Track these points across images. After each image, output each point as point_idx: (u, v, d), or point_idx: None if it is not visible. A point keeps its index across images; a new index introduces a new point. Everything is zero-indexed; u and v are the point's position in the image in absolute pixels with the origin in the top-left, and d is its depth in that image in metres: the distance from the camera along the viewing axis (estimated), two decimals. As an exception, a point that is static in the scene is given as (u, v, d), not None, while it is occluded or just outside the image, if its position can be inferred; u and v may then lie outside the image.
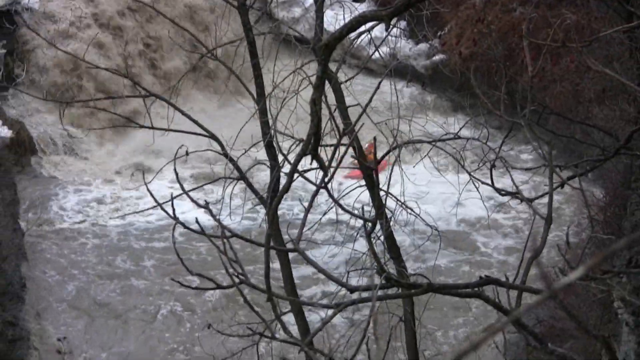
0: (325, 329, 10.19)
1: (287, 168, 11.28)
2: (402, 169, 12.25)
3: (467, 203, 15.04)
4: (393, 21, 11.28)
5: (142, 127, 13.31)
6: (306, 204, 9.97)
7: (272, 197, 11.61)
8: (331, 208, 11.43)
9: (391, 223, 12.61)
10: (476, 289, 9.44)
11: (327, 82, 10.97)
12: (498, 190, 10.55)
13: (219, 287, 9.97)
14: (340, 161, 9.52)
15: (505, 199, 11.51)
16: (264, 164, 12.88)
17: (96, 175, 44.47)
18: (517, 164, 31.02)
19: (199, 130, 12.97)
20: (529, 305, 3.31)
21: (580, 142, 14.01)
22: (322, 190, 9.92)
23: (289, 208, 35.52)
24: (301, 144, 11.00)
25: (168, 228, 38.15)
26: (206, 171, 32.56)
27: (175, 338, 31.86)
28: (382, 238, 12.16)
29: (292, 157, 11.19)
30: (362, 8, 21.07)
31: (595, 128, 14.95)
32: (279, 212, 11.62)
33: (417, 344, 13.66)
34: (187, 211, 10.75)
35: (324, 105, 10.65)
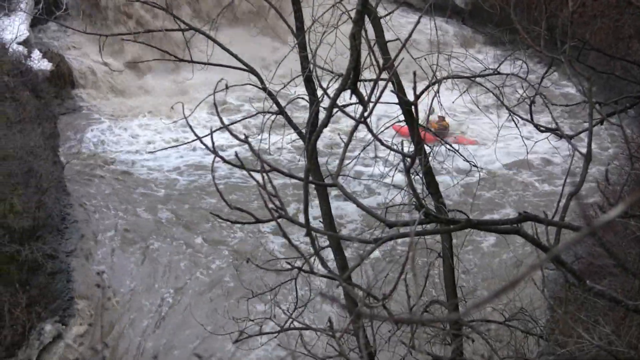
0: (363, 265, 10.23)
1: (326, 102, 11.27)
2: (441, 105, 12.21)
3: (507, 140, 14.96)
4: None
5: (181, 60, 13.31)
6: (345, 139, 9.96)
7: (311, 132, 11.60)
8: (370, 143, 11.43)
9: (430, 158, 12.61)
10: (515, 225, 9.42)
11: (366, 16, 10.93)
12: (537, 127, 10.50)
13: (258, 221, 9.99)
14: (380, 96, 9.48)
15: (545, 135, 11.44)
16: (303, 98, 12.87)
17: (135, 109, 44.61)
18: (557, 101, 30.82)
19: (239, 65, 12.96)
20: (568, 242, 3.27)
21: (621, 79, 13.88)
22: (361, 126, 9.91)
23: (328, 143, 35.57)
24: (340, 79, 10.99)
25: (206, 164, 38.31)
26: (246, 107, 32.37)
27: (213, 272, 32.01)
28: (420, 174, 12.16)
29: (331, 92, 11.18)
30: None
31: (636, 64, 14.80)
32: (318, 147, 11.62)
33: (455, 280, 13.68)
34: (226, 148, 10.71)
35: (363, 40, 10.61)
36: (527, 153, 14.11)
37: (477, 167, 14.05)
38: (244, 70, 12.79)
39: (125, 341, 28.87)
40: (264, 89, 12.58)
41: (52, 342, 28.44)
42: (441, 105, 12.11)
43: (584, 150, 9.18)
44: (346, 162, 9.83)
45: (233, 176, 36.84)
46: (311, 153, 11.47)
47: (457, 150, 13.41)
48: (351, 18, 10.92)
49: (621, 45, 34.41)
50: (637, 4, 11.44)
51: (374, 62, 10.71)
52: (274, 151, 12.48)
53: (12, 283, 28.93)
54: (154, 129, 42.90)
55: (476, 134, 34.56)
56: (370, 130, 10.42)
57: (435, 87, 11.73)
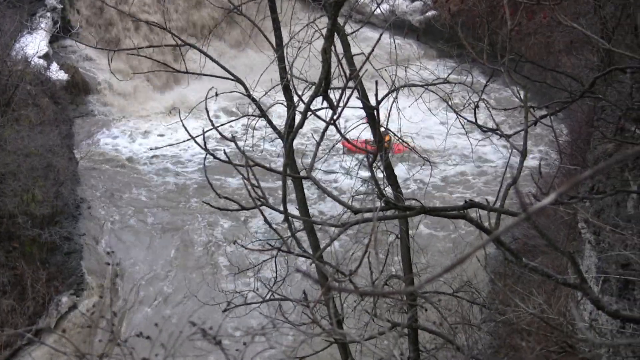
0: (332, 245, 10.20)
1: (301, 107, 11.25)
2: (399, 109, 12.19)
3: (454, 139, 14.99)
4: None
5: (178, 71, 13.26)
6: (317, 138, 9.95)
7: (289, 132, 11.59)
8: (339, 141, 11.43)
9: (389, 155, 12.60)
10: (462, 211, 9.42)
11: (335, 34, 10.91)
12: (480, 127, 10.49)
13: (243, 208, 9.95)
14: (347, 101, 9.45)
15: (487, 134, 11.45)
16: (282, 103, 12.83)
17: (139, 113, 44.71)
18: (497, 106, 30.93)
19: (227, 75, 12.91)
20: (508, 226, 3.28)
21: (551, 87, 13.93)
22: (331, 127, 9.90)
23: (302, 143, 35.62)
24: (313, 87, 10.97)
25: (199, 160, 38.36)
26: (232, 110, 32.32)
27: (205, 252, 32.12)
28: (381, 167, 12.14)
29: (305, 98, 11.16)
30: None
31: (564, 74, 14.86)
32: (294, 145, 11.58)
33: (410, 258, 13.69)
34: (216, 149, 10.63)
35: (333, 54, 10.59)
36: (472, 150, 14.13)
37: (429, 162, 14.06)
38: (231, 79, 12.75)
39: (130, 311, 28.90)
40: (248, 95, 12.55)
41: (67, 311, 28.52)
42: (399, 109, 12.08)
43: (520, 148, 9.18)
44: (318, 158, 9.79)
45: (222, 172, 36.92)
46: (289, 150, 11.42)
47: (413, 148, 13.42)
48: (322, 35, 10.91)
49: (552, 58, 34.69)
50: (565, 24, 11.43)
51: (342, 73, 10.69)
52: (257, 149, 12.42)
53: (34, 261, 29.01)
54: (156, 130, 42.98)
55: (427, 133, 34.50)
56: (338, 130, 10.40)
57: (394, 93, 11.73)
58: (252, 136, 12.85)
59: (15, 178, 29.91)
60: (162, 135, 42.43)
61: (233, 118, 13.55)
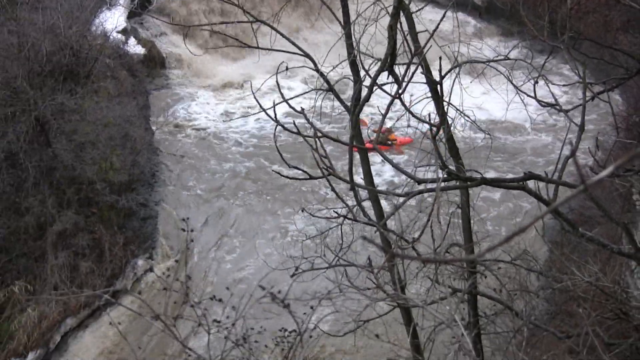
0: (396, 214, 10.26)
1: (367, 82, 11.28)
2: (461, 84, 12.15)
3: (515, 114, 14.89)
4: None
5: (250, 46, 13.30)
6: (383, 111, 10.00)
7: (355, 106, 11.63)
8: (403, 115, 11.43)
9: (451, 128, 12.58)
10: (521, 182, 9.42)
11: (401, 12, 10.91)
12: (540, 102, 10.46)
13: (311, 177, 10.03)
14: (412, 77, 9.48)
15: (546, 109, 11.39)
16: (349, 78, 12.84)
17: (212, 86, 44.87)
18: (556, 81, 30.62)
19: (296, 51, 12.94)
20: (566, 197, 3.30)
21: (608, 64, 13.77)
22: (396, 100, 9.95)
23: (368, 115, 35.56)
24: (379, 62, 10.99)
25: (269, 132, 38.49)
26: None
27: (275, 219, 32.29)
28: (444, 140, 12.13)
29: (372, 73, 11.19)
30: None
31: (621, 52, 14.66)
32: (360, 117, 11.62)
33: (471, 227, 13.69)
34: (285, 122, 10.69)
35: (398, 31, 10.61)
36: (531, 125, 14.05)
37: (489, 135, 14.02)
38: (300, 55, 12.77)
39: (203, 274, 29.20)
40: (317, 70, 12.57)
41: (143, 274, 28.93)
42: (461, 84, 12.03)
43: (578, 122, 9.15)
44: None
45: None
46: (355, 123, 11.48)
47: (474, 121, 13.36)
48: (388, 13, 10.91)
49: (609, 36, 34.31)
50: (623, 2, 11.31)
51: (407, 49, 10.71)
52: (324, 122, 12.47)
53: (112, 226, 29.46)
54: (229, 102, 43.15)
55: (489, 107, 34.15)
56: (403, 104, 10.45)
57: (457, 69, 11.72)
58: (320, 109, 12.89)
59: (95, 147, 30.34)
60: (232, 105, 42.62)
61: (301, 92, 13.55)
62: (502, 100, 13.33)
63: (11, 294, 26.71)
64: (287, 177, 10.99)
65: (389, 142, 36.15)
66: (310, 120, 9.91)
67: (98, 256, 28.44)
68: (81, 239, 28.25)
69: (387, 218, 11.24)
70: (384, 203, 14.25)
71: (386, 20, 10.68)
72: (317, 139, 8.92)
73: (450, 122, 12.45)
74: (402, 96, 10.08)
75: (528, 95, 11.08)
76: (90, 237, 28.74)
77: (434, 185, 9.31)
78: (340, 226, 12.59)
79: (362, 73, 11.79)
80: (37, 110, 28.90)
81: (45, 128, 29.76)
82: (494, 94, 14.12)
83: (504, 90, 12.25)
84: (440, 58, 10.62)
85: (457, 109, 12.80)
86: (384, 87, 11.15)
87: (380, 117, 10.17)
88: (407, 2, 11.70)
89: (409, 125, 11.37)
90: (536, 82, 10.89)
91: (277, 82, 10.33)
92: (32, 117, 28.88)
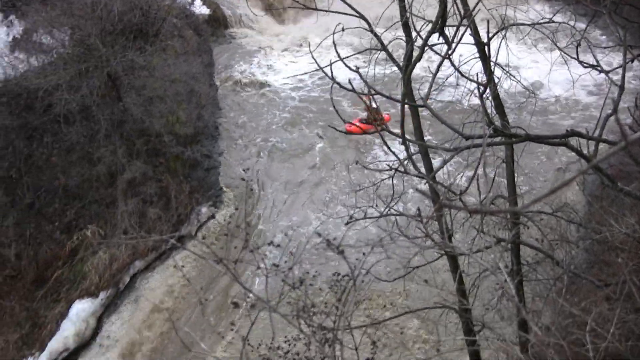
0: (445, 168, 10.33)
1: (419, 42, 11.30)
2: (507, 45, 12.12)
3: (557, 75, 14.79)
4: None
5: (309, 8, 13.33)
6: (434, 70, 10.04)
7: (407, 65, 11.65)
8: (453, 74, 11.44)
9: (498, 87, 12.57)
10: (563, 139, 9.43)
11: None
12: (581, 63, 10.43)
13: (365, 132, 10.12)
14: (461, 38, 9.50)
15: (587, 70, 11.33)
16: (401, 39, 12.83)
17: (272, 46, 44.94)
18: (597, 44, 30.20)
19: (352, 12, 12.95)
20: (607, 153, 3.35)
21: (649, 28, 13.68)
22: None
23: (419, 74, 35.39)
24: (430, 24, 11.01)
25: (325, 88, 38.45)
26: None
27: (329, 171, 32.35)
28: (490, 98, 12.12)
29: (423, 34, 11.20)
30: None
31: (662, 17, 14.53)
32: (412, 76, 11.63)
33: (514, 180, 13.70)
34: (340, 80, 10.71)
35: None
36: (573, 85, 13.96)
37: (534, 94, 13.98)
38: (355, 16, 12.78)
39: (262, 221, 29.45)
40: (371, 31, 12.58)
41: (206, 221, 29.26)
42: (507, 45, 12.00)
43: (619, 82, 9.13)
44: (433, 89, 9.87)
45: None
46: (407, 81, 11.50)
47: (519, 81, 13.32)
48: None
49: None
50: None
51: (457, 12, 10.70)
52: (378, 80, 12.49)
53: (178, 176, 29.85)
54: (287, 60, 43.21)
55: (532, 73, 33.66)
56: (453, 64, 10.48)
57: (503, 31, 11.69)
58: (374, 68, 12.91)
59: (162, 101, 30.69)
60: (293, 63, 42.65)
61: (356, 52, 13.56)
62: (547, 62, 13.29)
63: (84, 237, 27.31)
64: (342, 132, 11.09)
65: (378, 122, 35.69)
66: (365, 78, 9.97)
67: (165, 204, 28.87)
68: (149, 187, 28.69)
69: (436, 171, 11.30)
70: (433, 157, 14.29)
71: (438, -16, 10.68)
72: (370, 96, 9.00)
73: (496, 82, 12.45)
74: (451, 57, 10.11)
75: (571, 57, 11.06)
76: (158, 185, 29.17)
77: (480, 141, 9.36)
78: (391, 178, 12.68)
79: (414, 34, 11.79)
80: (109, 66, 29.31)
81: (116, 83, 30.15)
82: (539, 55, 14.06)
83: (548, 51, 12.21)
84: (487, 21, 10.61)
85: (504, 69, 12.78)
86: (435, 48, 11.18)
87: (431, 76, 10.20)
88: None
89: (457, 84, 11.39)
90: (578, 45, 10.86)
91: (333, 41, 10.38)
92: (104, 73, 29.27)
